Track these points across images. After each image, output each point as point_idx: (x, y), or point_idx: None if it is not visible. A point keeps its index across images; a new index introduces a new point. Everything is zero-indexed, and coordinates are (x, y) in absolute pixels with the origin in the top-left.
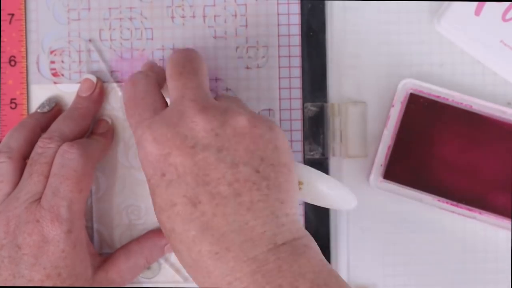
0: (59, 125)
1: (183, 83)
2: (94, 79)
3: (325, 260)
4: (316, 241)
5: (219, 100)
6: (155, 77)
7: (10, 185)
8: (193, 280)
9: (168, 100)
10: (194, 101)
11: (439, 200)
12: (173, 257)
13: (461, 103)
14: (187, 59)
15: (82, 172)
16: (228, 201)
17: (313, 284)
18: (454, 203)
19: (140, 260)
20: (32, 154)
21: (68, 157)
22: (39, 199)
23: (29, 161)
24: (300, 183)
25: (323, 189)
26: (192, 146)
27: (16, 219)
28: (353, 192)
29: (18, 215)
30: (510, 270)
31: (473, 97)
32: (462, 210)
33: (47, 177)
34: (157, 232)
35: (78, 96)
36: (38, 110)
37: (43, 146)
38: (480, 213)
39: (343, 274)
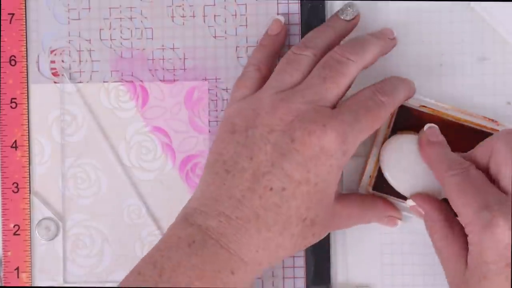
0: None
1: None
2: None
3: None
4: None
5: None
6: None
7: (300, 78)
8: None
9: None
10: None
11: None
12: None
13: (449, 114)
14: None
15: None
16: None
17: None
18: None
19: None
20: (327, 58)
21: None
22: (330, 106)
23: (322, 64)
24: None
25: None
26: None
27: (298, 113)
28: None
29: (302, 111)
30: (510, 270)
31: (461, 111)
32: None
33: (340, 89)
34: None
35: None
36: (342, 17)
37: (342, 55)
38: None
39: (342, 274)
